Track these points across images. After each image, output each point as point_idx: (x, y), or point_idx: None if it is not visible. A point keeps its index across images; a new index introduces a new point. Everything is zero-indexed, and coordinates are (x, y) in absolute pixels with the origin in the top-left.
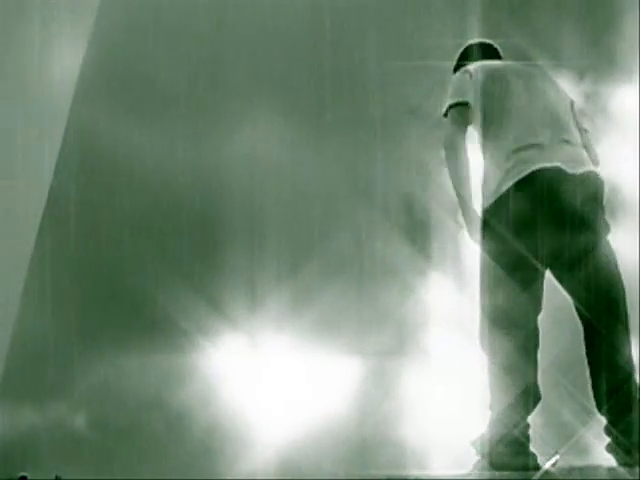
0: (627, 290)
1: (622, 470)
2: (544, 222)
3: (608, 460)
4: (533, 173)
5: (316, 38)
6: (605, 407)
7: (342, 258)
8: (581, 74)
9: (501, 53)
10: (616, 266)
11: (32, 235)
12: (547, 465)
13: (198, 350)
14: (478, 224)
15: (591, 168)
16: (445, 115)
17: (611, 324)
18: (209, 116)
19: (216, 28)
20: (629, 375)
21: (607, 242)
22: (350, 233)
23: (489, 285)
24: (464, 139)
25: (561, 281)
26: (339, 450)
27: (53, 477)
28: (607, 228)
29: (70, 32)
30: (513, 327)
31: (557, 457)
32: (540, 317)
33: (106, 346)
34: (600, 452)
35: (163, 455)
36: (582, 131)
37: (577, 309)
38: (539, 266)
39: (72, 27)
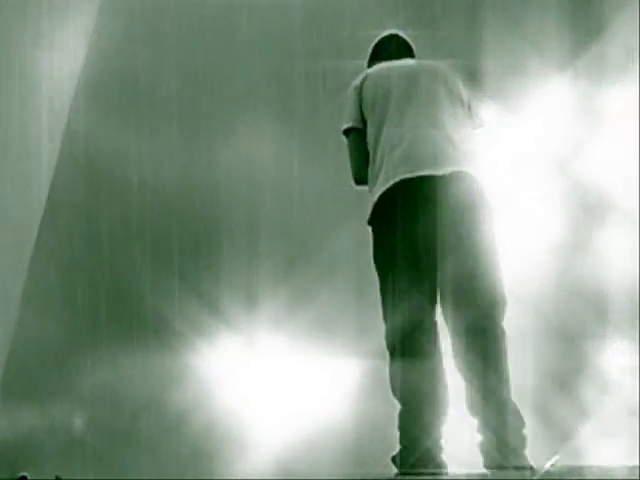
0: (627, 291)
1: (622, 470)
2: (411, 228)
3: (607, 460)
4: (398, 182)
5: (311, 43)
6: (476, 410)
7: (339, 259)
8: (575, 75)
9: (412, 45)
10: (485, 263)
11: (31, 238)
12: (547, 465)
13: (195, 352)
14: None
15: (460, 168)
16: (344, 133)
17: (481, 329)
18: (206, 120)
19: (213, 34)
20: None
21: (477, 240)
22: (347, 235)
23: (385, 288)
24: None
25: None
26: (336, 451)
27: (53, 477)
28: (481, 224)
29: (68, 39)
30: (409, 330)
31: (557, 457)
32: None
33: (104, 348)
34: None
35: (161, 456)
36: (469, 129)
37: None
38: (422, 269)
39: (70, 34)
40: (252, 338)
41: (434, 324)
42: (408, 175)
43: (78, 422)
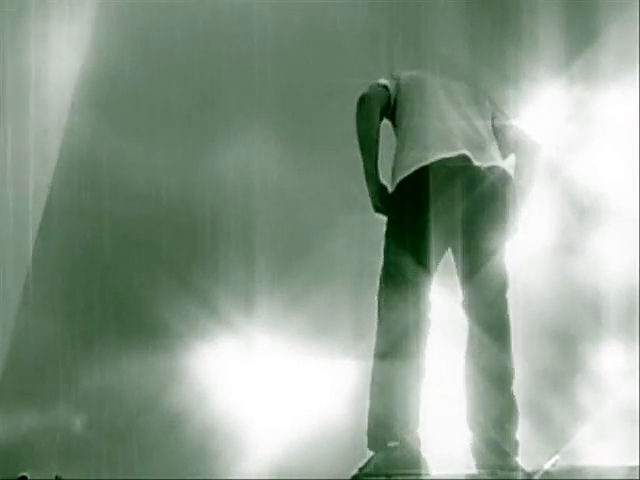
0: (625, 293)
1: (622, 470)
2: (442, 209)
3: (607, 460)
4: (437, 161)
5: (308, 55)
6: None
7: (336, 261)
8: (571, 80)
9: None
10: (502, 267)
11: (31, 238)
12: (547, 465)
13: (193, 352)
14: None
15: (495, 163)
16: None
17: (492, 328)
18: (204, 121)
19: (211, 44)
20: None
21: (502, 239)
22: (343, 237)
23: (388, 270)
24: (379, 107)
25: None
26: (334, 452)
27: (53, 477)
28: (508, 225)
29: (67, 39)
30: (404, 319)
31: (557, 457)
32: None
33: (103, 349)
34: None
35: (160, 456)
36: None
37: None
38: (438, 250)
39: (69, 35)
40: (250, 339)
41: (427, 322)
42: (451, 154)
43: (78, 422)
